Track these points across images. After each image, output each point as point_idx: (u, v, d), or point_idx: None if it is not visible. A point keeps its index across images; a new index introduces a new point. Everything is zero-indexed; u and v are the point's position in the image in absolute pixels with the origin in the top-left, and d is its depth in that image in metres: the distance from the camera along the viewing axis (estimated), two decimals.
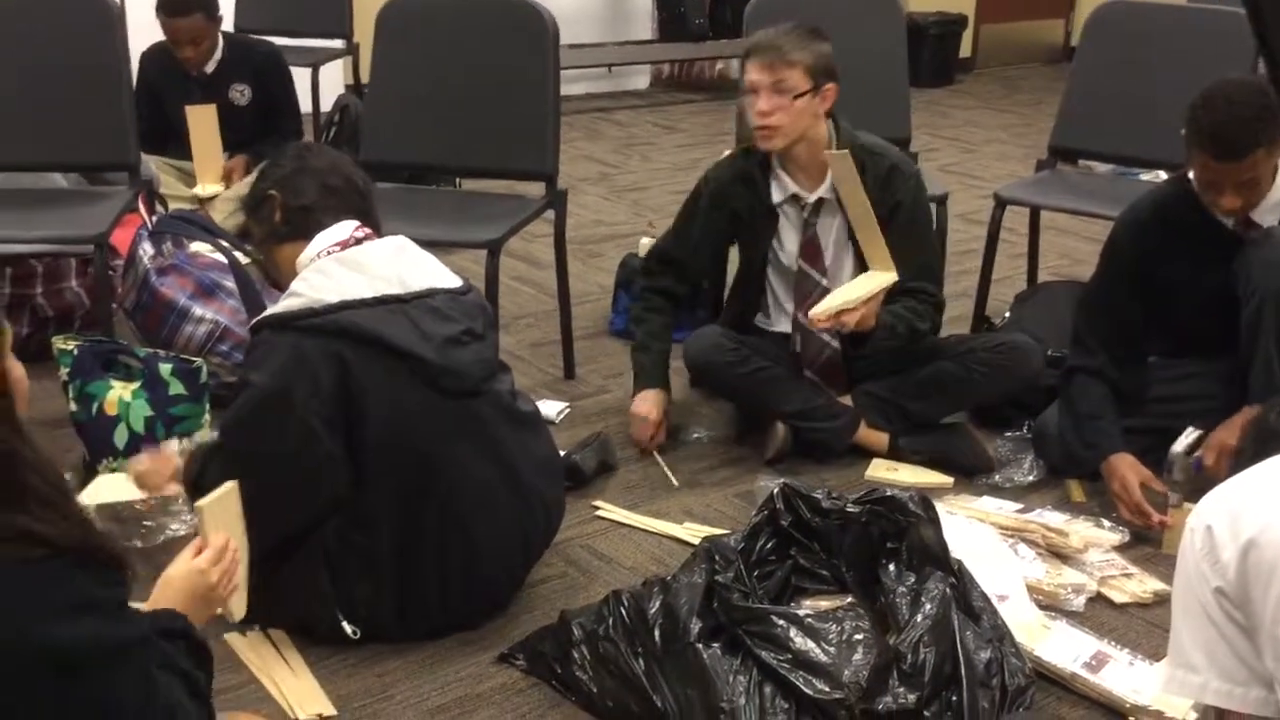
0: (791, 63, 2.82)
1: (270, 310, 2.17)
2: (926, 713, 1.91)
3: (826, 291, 2.90)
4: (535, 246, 4.33)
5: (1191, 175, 2.67)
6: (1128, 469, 2.68)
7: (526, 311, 3.92)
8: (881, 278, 2.81)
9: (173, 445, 2.42)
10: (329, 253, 2.18)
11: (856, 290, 2.78)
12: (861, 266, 2.93)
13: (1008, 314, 3.54)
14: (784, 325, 3.06)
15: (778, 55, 2.83)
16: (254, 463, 2.11)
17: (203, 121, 3.87)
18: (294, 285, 2.15)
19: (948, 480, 2.90)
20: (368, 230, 2.25)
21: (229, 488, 1.92)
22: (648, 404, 3.04)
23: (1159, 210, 2.79)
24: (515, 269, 4.23)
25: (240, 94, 4.12)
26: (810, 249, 2.97)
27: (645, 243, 3.85)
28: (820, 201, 2.95)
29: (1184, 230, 2.73)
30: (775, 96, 2.83)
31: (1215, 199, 2.61)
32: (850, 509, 2.19)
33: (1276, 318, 2.61)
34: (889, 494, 2.20)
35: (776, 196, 2.97)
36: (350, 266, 2.15)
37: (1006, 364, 2.99)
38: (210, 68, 4.10)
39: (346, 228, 2.22)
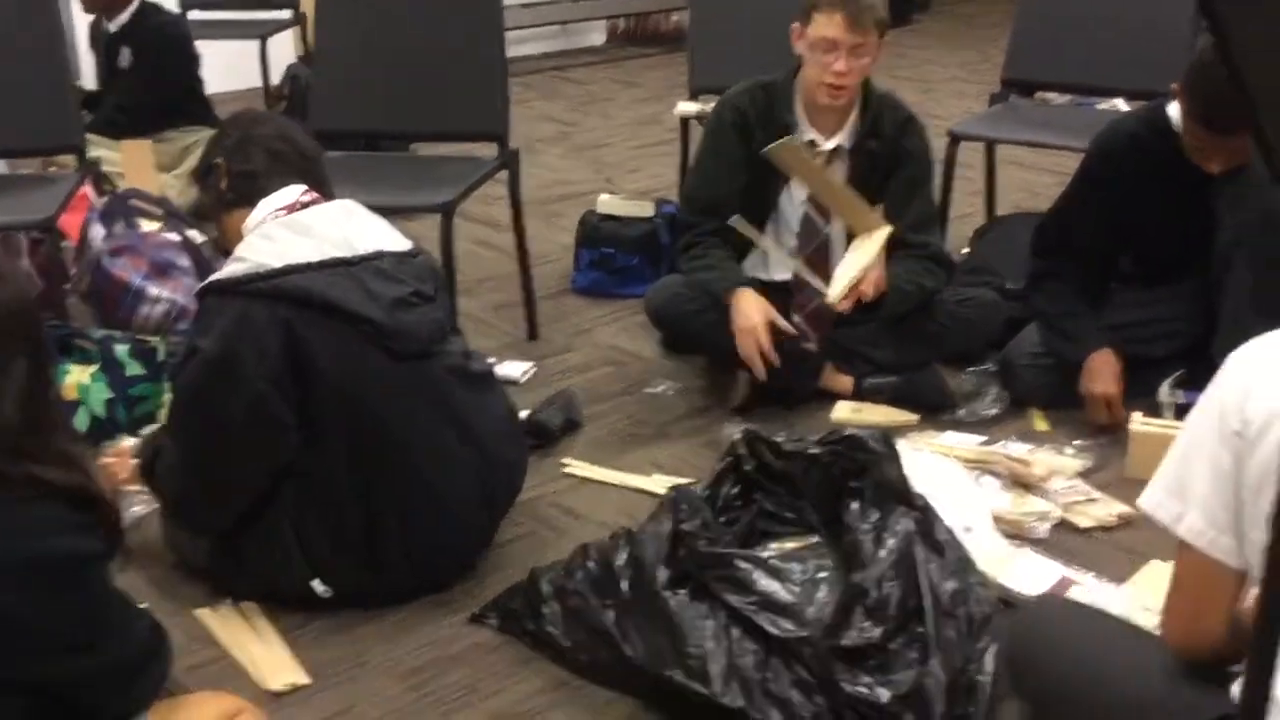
0: (878, 23, 2.78)
1: (215, 275, 2.17)
2: (892, 645, 1.92)
3: (827, 239, 2.88)
4: (495, 209, 4.29)
5: (1173, 115, 2.63)
6: (1111, 375, 2.75)
7: (488, 274, 3.90)
8: (876, 236, 2.75)
9: (129, 441, 2.50)
10: (274, 217, 2.17)
11: (861, 258, 2.73)
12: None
13: (966, 250, 3.54)
14: (779, 273, 3.00)
15: (870, 15, 2.75)
16: (204, 428, 2.13)
17: (137, 157, 3.87)
18: (238, 250, 2.14)
19: (913, 418, 2.91)
20: (315, 194, 2.23)
21: None
22: (749, 306, 2.76)
23: (1134, 142, 2.76)
24: (475, 233, 4.21)
25: (123, 56, 4.18)
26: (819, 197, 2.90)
27: (604, 199, 3.83)
28: (835, 150, 2.91)
29: (1158, 164, 2.70)
30: (853, 59, 2.77)
31: (1204, 162, 2.59)
32: (812, 450, 2.20)
33: (1251, 250, 2.60)
34: (849, 433, 2.21)
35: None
36: (296, 230, 2.14)
37: (972, 318, 2.99)
38: (114, 27, 4.18)
39: (292, 192, 2.21)
